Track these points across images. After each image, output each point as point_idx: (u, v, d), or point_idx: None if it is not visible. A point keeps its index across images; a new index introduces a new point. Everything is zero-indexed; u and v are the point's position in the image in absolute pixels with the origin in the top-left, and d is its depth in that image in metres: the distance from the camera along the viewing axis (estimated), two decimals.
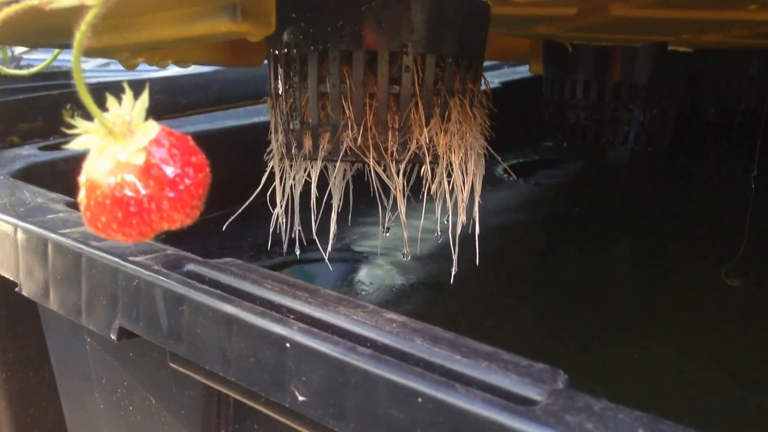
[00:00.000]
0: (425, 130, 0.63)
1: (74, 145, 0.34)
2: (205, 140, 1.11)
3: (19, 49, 1.93)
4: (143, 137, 0.34)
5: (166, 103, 1.30)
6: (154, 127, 0.34)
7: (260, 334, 0.39)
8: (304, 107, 0.66)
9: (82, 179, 0.34)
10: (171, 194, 0.34)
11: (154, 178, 0.34)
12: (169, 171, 0.34)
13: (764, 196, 0.99)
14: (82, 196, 0.35)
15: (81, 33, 0.29)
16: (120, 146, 0.33)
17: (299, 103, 0.66)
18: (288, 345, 0.38)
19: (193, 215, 0.36)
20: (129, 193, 0.33)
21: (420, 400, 0.33)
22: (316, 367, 0.37)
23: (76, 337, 0.65)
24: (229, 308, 0.41)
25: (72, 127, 0.34)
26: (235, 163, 1.07)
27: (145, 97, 0.34)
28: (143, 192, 0.34)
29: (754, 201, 0.97)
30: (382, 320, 0.39)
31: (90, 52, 0.69)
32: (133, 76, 1.35)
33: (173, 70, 1.36)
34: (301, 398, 0.38)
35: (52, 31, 0.64)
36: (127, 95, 0.34)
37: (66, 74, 1.17)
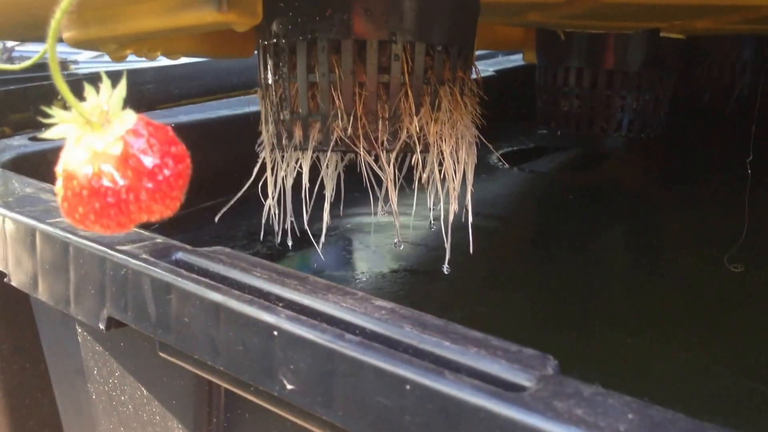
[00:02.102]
0: (415, 119, 0.63)
1: (50, 135, 0.33)
2: (198, 130, 1.11)
3: (11, 42, 1.92)
4: (120, 127, 0.33)
5: (159, 94, 1.30)
6: (131, 117, 0.34)
7: (248, 322, 0.39)
8: (293, 97, 0.65)
9: (58, 169, 0.34)
10: (149, 185, 0.34)
11: (132, 169, 0.33)
12: (148, 161, 0.33)
13: (758, 181, 0.99)
14: (59, 187, 0.34)
15: (56, 20, 0.29)
16: (97, 136, 0.33)
17: (289, 93, 0.66)
18: (276, 333, 0.38)
19: (173, 206, 0.35)
20: (106, 183, 0.33)
21: (408, 387, 0.32)
22: (304, 355, 0.37)
23: (68, 328, 0.65)
24: (216, 296, 0.41)
25: (49, 116, 0.33)
26: (228, 152, 1.07)
27: (122, 87, 0.34)
28: (121, 182, 0.33)
29: (750, 187, 0.97)
30: (371, 307, 0.39)
31: (78, 44, 0.68)
32: (125, 67, 1.35)
33: (166, 60, 1.36)
34: (289, 386, 0.37)
35: (42, 24, 0.63)
36: (105, 84, 0.33)
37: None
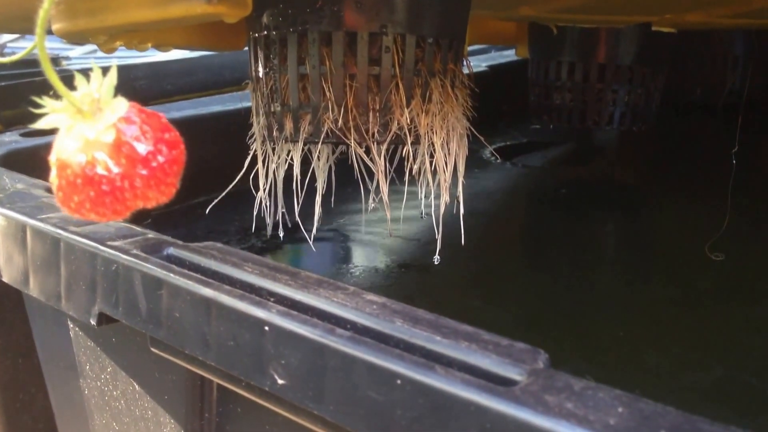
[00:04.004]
0: (406, 111, 0.63)
1: (40, 125, 0.33)
2: (191, 126, 1.11)
3: (4, 37, 1.92)
4: (112, 114, 0.33)
5: (151, 89, 1.29)
6: (123, 104, 0.34)
7: (239, 317, 0.39)
8: (284, 89, 0.65)
9: (52, 159, 0.34)
10: (144, 172, 0.33)
11: (126, 156, 0.33)
12: (141, 148, 0.33)
13: (745, 171, 1.00)
14: (53, 176, 0.34)
15: (44, 10, 0.29)
16: (89, 124, 0.33)
17: (279, 85, 0.65)
18: (267, 328, 0.38)
19: (168, 193, 0.35)
20: (101, 171, 0.33)
21: (399, 381, 0.32)
22: (294, 350, 0.36)
23: (59, 324, 0.65)
24: (207, 291, 0.41)
25: (40, 107, 0.33)
26: (221, 148, 1.07)
27: (113, 75, 0.33)
28: (115, 170, 0.33)
29: (736, 177, 0.97)
30: (362, 302, 0.39)
31: (67, 36, 0.68)
32: (119, 62, 1.34)
33: (159, 56, 1.36)
34: (280, 381, 0.37)
35: (33, 17, 0.63)
36: (95, 73, 0.33)
37: (50, 61, 1.16)
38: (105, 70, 0.34)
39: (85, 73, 0.34)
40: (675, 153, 1.53)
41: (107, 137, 0.33)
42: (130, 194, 0.34)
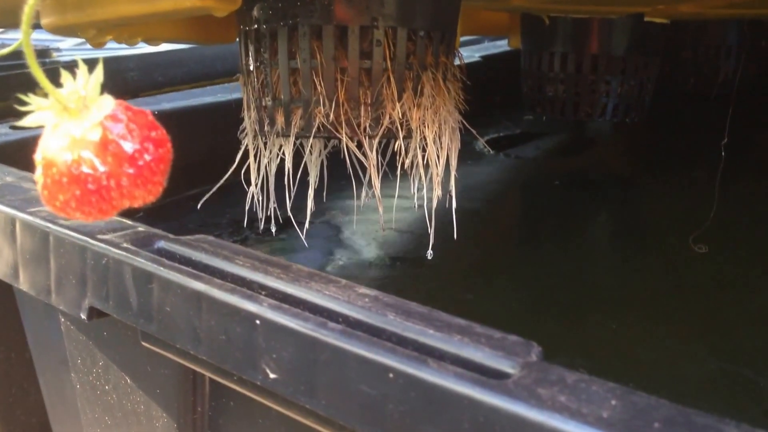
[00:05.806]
0: (398, 105, 0.63)
1: (27, 122, 0.33)
2: (182, 118, 1.10)
3: None
4: (98, 112, 0.33)
5: (142, 81, 1.29)
6: (109, 102, 0.33)
7: (230, 311, 0.39)
8: (275, 83, 0.65)
9: (37, 157, 0.34)
10: (130, 170, 0.33)
11: (112, 154, 0.33)
12: (128, 147, 0.33)
13: (734, 164, 1.00)
14: (38, 174, 0.34)
15: (29, 6, 0.28)
16: (75, 122, 0.33)
17: (270, 79, 0.65)
18: (258, 322, 0.37)
19: (155, 192, 0.35)
20: (86, 170, 0.33)
21: (391, 375, 0.32)
22: (286, 344, 0.36)
23: (51, 318, 0.65)
24: (198, 285, 0.40)
25: (26, 104, 0.33)
26: (213, 140, 1.06)
27: (99, 72, 0.33)
28: (101, 169, 0.33)
29: (730, 168, 0.97)
30: (354, 295, 0.39)
31: (56, 30, 0.68)
32: (109, 54, 1.34)
33: (149, 47, 1.35)
34: (272, 375, 0.37)
35: (20, 10, 0.63)
36: (82, 70, 0.33)
37: (40, 53, 1.16)
38: (91, 65, 0.33)
39: (72, 68, 0.34)
40: (668, 144, 1.53)
41: (93, 135, 0.32)
42: (116, 193, 0.33)
